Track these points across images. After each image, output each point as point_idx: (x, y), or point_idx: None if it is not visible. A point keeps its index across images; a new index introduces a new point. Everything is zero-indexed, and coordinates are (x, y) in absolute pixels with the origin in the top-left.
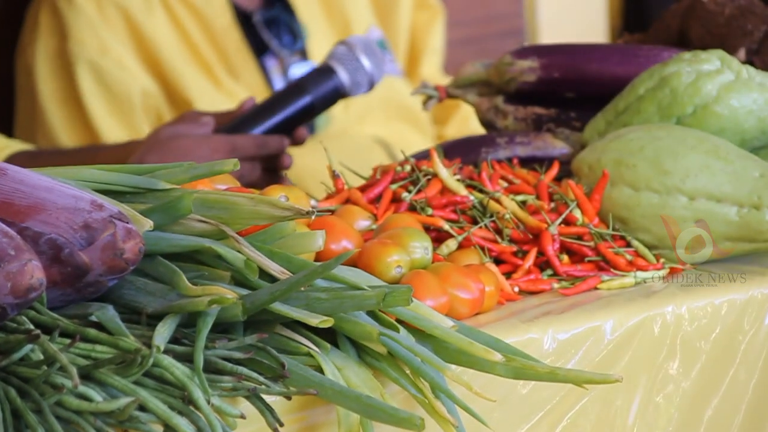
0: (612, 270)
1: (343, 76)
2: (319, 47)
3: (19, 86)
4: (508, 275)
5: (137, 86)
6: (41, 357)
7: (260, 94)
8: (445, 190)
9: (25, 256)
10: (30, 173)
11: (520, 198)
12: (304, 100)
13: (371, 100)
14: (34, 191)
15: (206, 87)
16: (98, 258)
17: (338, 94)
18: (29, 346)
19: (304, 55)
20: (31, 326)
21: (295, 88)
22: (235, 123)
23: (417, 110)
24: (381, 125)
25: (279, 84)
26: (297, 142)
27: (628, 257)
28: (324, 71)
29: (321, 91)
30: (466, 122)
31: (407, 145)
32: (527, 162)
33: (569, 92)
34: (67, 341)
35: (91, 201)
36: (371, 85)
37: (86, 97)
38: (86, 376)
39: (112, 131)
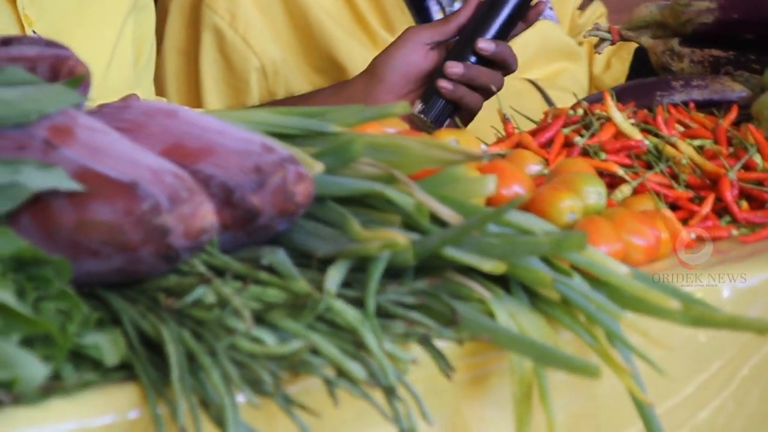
0: None
1: None
2: None
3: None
4: (684, 222)
5: (257, 66)
6: (214, 300)
7: None
8: (618, 134)
9: (197, 199)
10: (200, 115)
11: (697, 143)
12: None
13: (529, 48)
14: (205, 133)
15: (359, 45)
16: (269, 201)
17: None
18: (202, 289)
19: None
20: (204, 269)
21: None
22: (460, 42)
23: (577, 49)
24: (542, 69)
25: None
26: (533, 20)
27: None
28: None
29: None
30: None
31: (571, 78)
32: (704, 106)
33: (749, 34)
34: (239, 284)
35: (261, 144)
36: None
37: (203, 61)
38: (258, 320)
39: (216, 103)
